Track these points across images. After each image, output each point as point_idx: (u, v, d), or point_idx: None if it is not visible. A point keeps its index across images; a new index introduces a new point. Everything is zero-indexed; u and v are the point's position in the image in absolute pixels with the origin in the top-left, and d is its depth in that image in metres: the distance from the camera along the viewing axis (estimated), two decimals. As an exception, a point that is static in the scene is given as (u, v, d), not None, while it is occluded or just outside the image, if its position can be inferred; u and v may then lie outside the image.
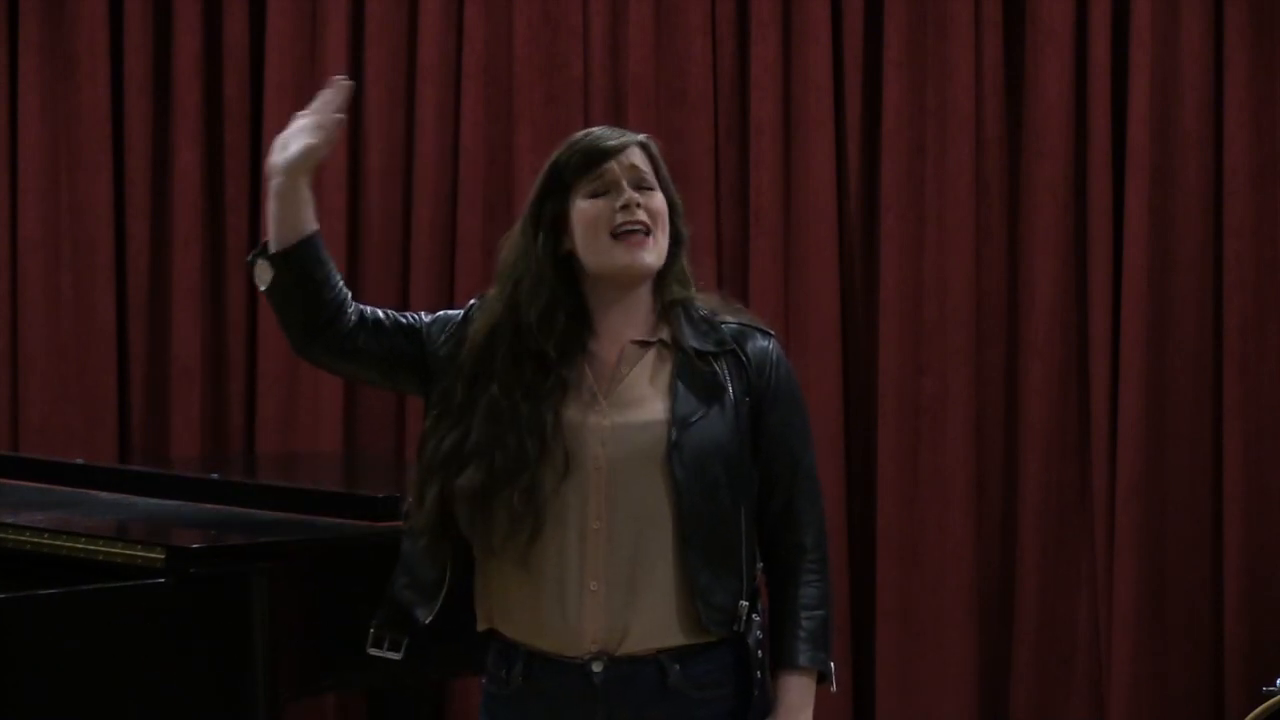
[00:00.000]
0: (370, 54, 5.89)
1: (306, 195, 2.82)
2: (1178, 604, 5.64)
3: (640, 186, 2.82)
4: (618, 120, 5.77)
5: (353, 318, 2.87)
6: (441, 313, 2.95)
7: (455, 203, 5.85)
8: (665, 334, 2.83)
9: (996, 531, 5.75)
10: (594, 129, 2.89)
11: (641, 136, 2.88)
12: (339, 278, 2.87)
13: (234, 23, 5.93)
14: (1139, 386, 5.55)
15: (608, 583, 2.75)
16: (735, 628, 2.80)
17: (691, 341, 2.82)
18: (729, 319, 2.88)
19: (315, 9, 5.91)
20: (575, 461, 2.76)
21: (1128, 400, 5.56)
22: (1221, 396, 5.58)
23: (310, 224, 2.82)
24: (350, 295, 2.89)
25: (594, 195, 2.81)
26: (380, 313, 2.91)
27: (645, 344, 2.83)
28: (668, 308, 2.85)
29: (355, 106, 5.89)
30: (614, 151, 2.82)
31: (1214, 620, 5.63)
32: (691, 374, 2.80)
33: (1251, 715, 4.54)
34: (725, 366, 2.82)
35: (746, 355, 2.85)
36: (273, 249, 2.81)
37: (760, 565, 2.86)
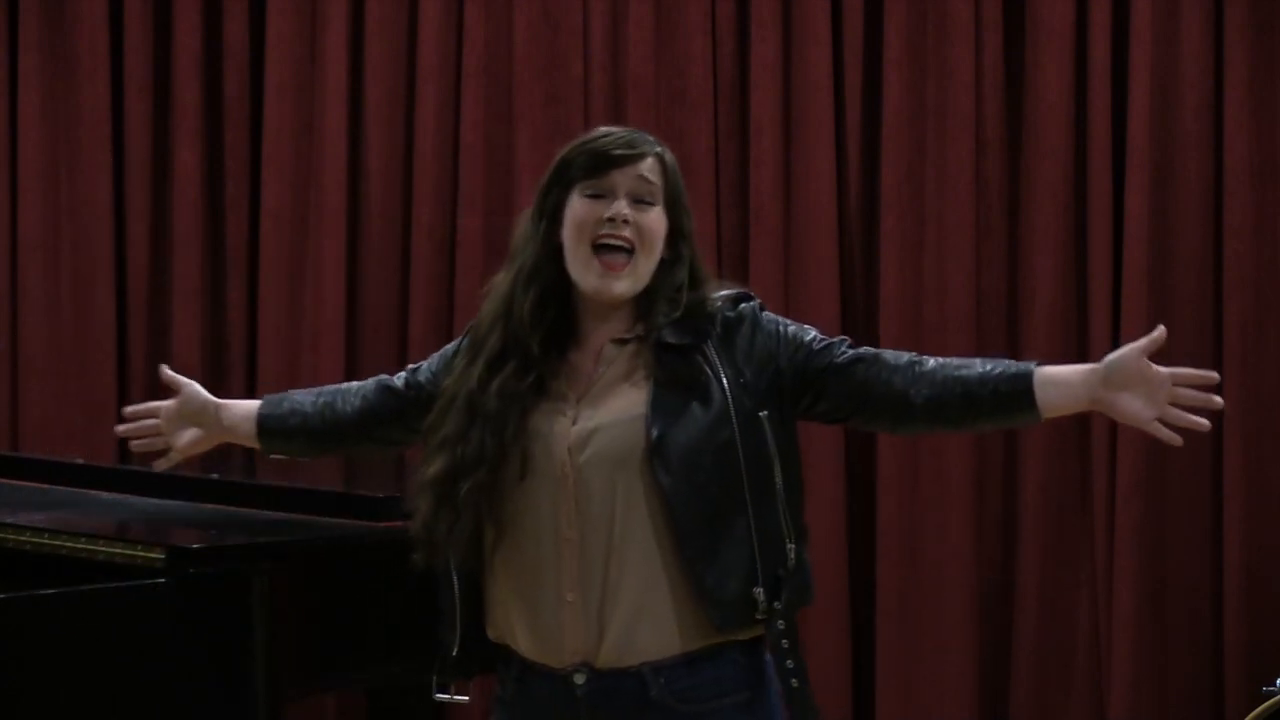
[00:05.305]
0: (370, 54, 5.89)
1: (218, 419, 3.08)
2: (1178, 604, 5.64)
3: (639, 200, 2.77)
4: (618, 120, 5.78)
5: (369, 407, 3.00)
6: (440, 352, 2.95)
7: (455, 203, 5.84)
8: (642, 329, 2.77)
9: (996, 531, 5.75)
10: (616, 131, 2.82)
11: (660, 148, 2.81)
12: (308, 403, 3.04)
13: (234, 23, 5.93)
14: (1139, 386, 5.54)
15: (584, 594, 2.69)
16: (756, 615, 2.70)
17: (668, 337, 2.75)
18: (707, 299, 2.80)
19: (315, 9, 5.91)
20: (538, 468, 2.71)
21: (1128, 400, 5.55)
22: (1222, 396, 5.56)
23: (245, 424, 3.07)
24: (349, 391, 3.03)
25: (590, 195, 2.76)
26: (391, 386, 3.00)
27: (623, 341, 2.78)
28: (648, 309, 2.78)
29: (355, 106, 5.90)
30: (624, 160, 2.77)
31: (1214, 620, 5.63)
32: (669, 371, 2.73)
33: (1251, 715, 4.54)
34: (708, 352, 2.74)
35: (730, 334, 2.77)
36: (257, 446, 3.11)
37: (792, 547, 2.73)
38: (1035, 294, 5.69)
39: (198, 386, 3.11)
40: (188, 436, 3.09)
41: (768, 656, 2.76)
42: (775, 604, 2.71)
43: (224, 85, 5.95)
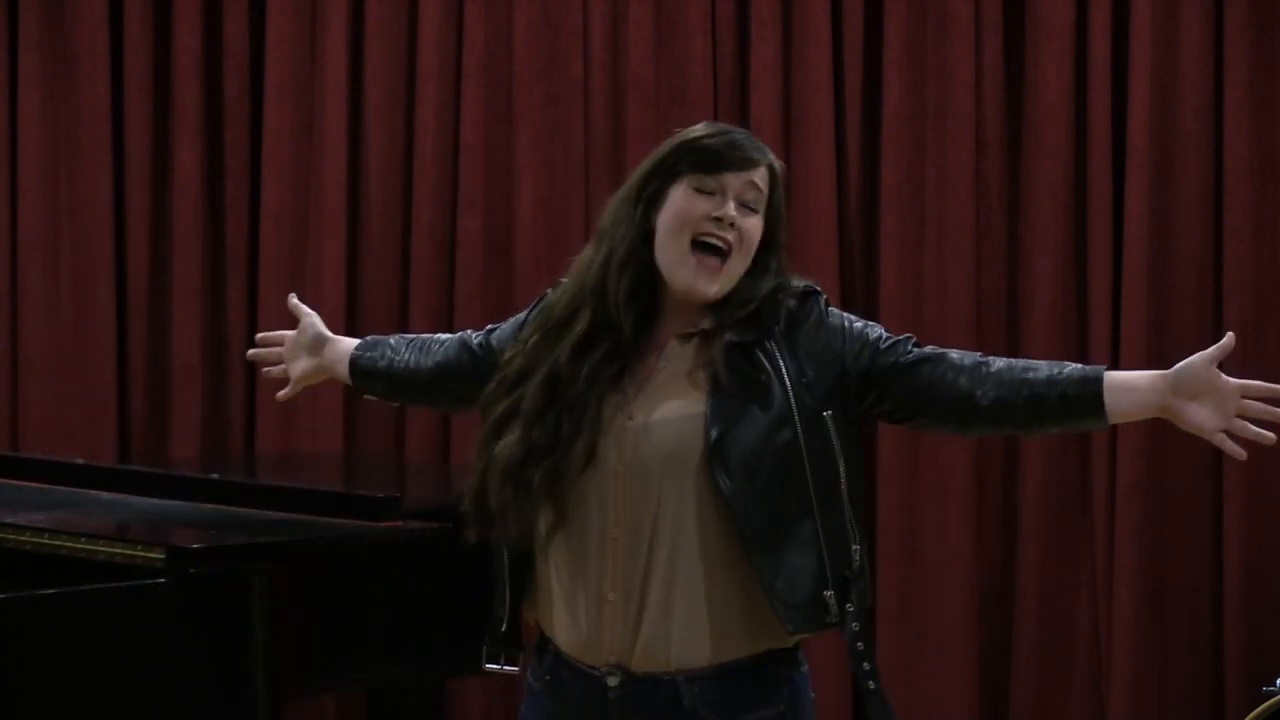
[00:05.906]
0: (370, 54, 5.89)
1: (325, 353, 3.19)
2: (1178, 604, 5.64)
3: (744, 205, 2.73)
4: (618, 120, 5.78)
5: (438, 361, 3.02)
6: (513, 320, 2.93)
7: (455, 203, 5.84)
8: (708, 323, 2.74)
9: (996, 531, 5.75)
10: (734, 132, 2.78)
11: (772, 158, 2.78)
12: (397, 349, 3.08)
13: (234, 23, 5.93)
14: (1139, 386, 5.54)
15: (625, 596, 2.66)
16: (828, 619, 2.67)
17: (733, 335, 2.71)
18: (776, 294, 2.76)
19: (315, 9, 5.91)
20: (598, 460, 2.68)
21: (1128, 400, 5.55)
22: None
23: (341, 363, 3.15)
24: (434, 342, 3.05)
25: (699, 190, 2.72)
26: (468, 344, 3.00)
27: (688, 336, 2.74)
28: (718, 307, 2.75)
29: (355, 106, 5.90)
30: (741, 164, 2.73)
31: (1214, 620, 5.63)
32: (732, 370, 2.69)
33: (1251, 715, 4.54)
34: (770, 348, 2.71)
35: (794, 330, 2.73)
36: (349, 383, 3.20)
37: (857, 548, 2.72)
38: (1035, 294, 5.69)
39: (316, 318, 3.22)
40: (301, 366, 3.21)
41: (803, 670, 2.75)
42: (847, 606, 2.69)
43: (224, 85, 5.95)
